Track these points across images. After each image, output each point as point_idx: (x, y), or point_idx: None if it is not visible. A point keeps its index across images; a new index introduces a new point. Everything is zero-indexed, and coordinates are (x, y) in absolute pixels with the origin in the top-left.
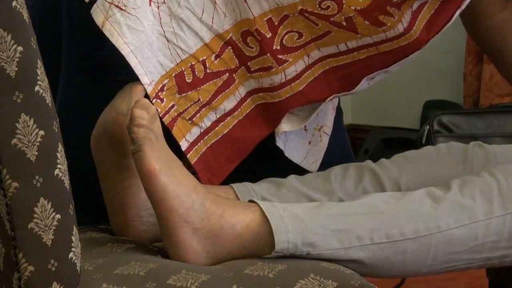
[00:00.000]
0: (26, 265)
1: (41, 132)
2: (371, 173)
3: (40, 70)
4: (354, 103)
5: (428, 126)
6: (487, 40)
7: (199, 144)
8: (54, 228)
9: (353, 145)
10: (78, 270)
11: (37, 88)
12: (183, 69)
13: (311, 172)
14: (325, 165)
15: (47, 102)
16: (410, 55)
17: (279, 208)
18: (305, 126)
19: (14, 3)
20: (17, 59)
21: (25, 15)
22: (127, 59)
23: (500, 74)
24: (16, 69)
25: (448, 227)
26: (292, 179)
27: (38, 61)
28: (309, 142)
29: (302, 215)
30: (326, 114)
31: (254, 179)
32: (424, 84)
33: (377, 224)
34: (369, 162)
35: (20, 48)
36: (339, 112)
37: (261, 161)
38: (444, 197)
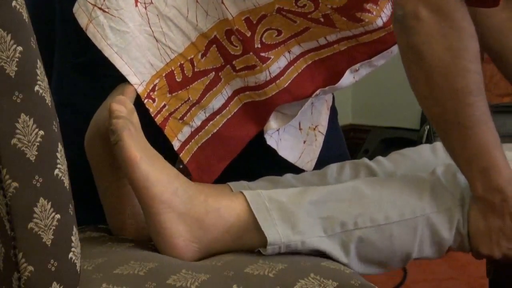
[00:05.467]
0: (26, 265)
1: (41, 132)
2: (366, 169)
3: (40, 70)
4: (354, 103)
5: (428, 126)
6: (488, 40)
7: (190, 143)
8: (54, 228)
9: (353, 145)
10: (78, 270)
11: (36, 88)
12: (172, 68)
13: (307, 171)
14: (320, 164)
15: (46, 102)
16: (392, 47)
17: (264, 198)
18: (299, 125)
19: (14, 3)
20: (17, 59)
21: (25, 15)
22: (111, 60)
23: (501, 73)
24: (16, 69)
25: (432, 210)
26: (289, 177)
27: (38, 61)
28: (304, 142)
29: (287, 203)
30: (320, 114)
31: (251, 178)
32: None
33: (361, 209)
34: (365, 159)
35: (19, 48)
36: (334, 111)
37: (258, 160)
38: (428, 180)
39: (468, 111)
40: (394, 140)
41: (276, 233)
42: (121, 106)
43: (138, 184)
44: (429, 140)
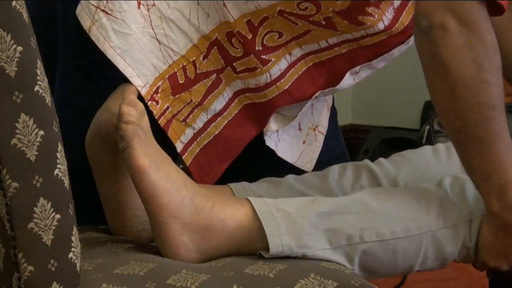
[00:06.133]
0: (26, 265)
1: (41, 132)
2: (368, 172)
3: (40, 70)
4: (354, 103)
5: (428, 126)
6: None
7: (192, 145)
8: (54, 228)
9: (353, 145)
10: (78, 270)
11: (36, 88)
12: (175, 70)
13: (306, 171)
14: (320, 164)
15: (46, 102)
16: (393, 49)
17: (271, 207)
18: (299, 126)
19: (14, 3)
20: (17, 59)
21: (25, 15)
22: (114, 62)
23: (502, 74)
24: (16, 69)
25: (438, 226)
26: (290, 178)
27: (38, 61)
28: (304, 142)
29: (294, 214)
30: (321, 114)
31: (251, 178)
32: (424, 84)
33: (368, 223)
34: (366, 161)
35: (19, 48)
36: (333, 111)
37: (259, 160)
38: (435, 194)
39: (489, 125)
40: (394, 140)
41: (280, 244)
42: (131, 109)
43: (146, 193)
44: (429, 140)
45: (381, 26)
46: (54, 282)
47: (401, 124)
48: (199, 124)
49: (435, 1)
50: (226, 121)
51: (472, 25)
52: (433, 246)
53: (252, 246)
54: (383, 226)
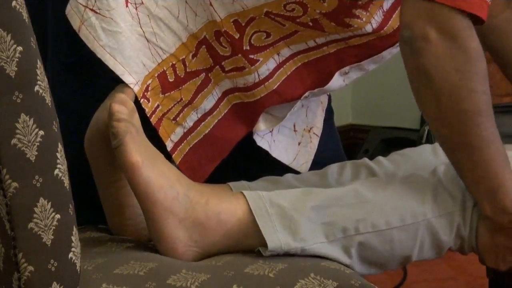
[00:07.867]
0: (26, 265)
1: (41, 132)
2: (367, 170)
3: (40, 70)
4: (354, 103)
5: (428, 126)
6: (490, 40)
7: (182, 144)
8: (54, 228)
9: (353, 145)
10: (78, 270)
11: (36, 88)
12: (164, 68)
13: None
14: (316, 165)
15: (46, 102)
16: (383, 52)
17: (265, 202)
18: (294, 127)
19: (14, 3)
20: (17, 59)
21: (25, 15)
22: (104, 61)
23: (502, 73)
24: (16, 69)
25: (433, 215)
26: (289, 177)
27: (38, 61)
28: (299, 143)
29: (289, 208)
30: (315, 116)
31: (250, 178)
32: None
33: (363, 214)
34: (365, 160)
35: (19, 48)
36: (329, 112)
37: (257, 160)
38: (430, 182)
39: (476, 132)
40: (394, 140)
41: (277, 240)
42: (122, 107)
43: (140, 190)
44: (429, 140)
45: (369, 28)
46: (54, 282)
47: (401, 124)
48: (189, 123)
49: (417, 12)
50: (216, 120)
51: (453, 34)
52: (429, 235)
53: (249, 240)
54: (378, 217)
